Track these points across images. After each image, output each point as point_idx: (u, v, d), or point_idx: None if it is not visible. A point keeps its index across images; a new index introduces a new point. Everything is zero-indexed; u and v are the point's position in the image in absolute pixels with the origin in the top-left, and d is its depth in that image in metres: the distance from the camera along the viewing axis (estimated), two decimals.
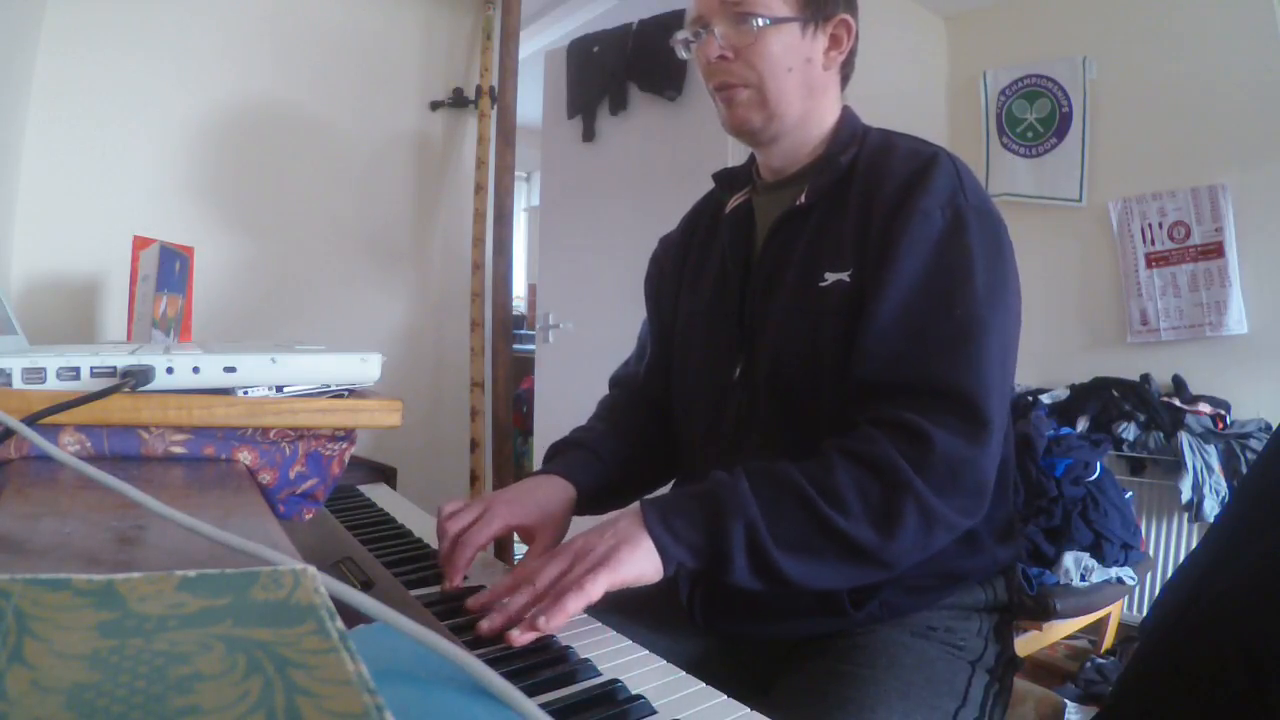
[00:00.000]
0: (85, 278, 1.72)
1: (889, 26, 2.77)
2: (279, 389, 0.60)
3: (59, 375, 0.53)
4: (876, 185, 0.78)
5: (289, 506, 0.61)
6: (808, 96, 0.84)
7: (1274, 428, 1.30)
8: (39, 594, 0.28)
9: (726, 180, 0.97)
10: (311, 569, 0.33)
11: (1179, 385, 2.46)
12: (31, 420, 0.47)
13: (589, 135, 2.71)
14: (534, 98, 2.85)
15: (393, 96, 2.23)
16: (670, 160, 2.49)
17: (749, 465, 0.71)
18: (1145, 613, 2.34)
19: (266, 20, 1.97)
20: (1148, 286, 2.56)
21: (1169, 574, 2.19)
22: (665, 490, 0.94)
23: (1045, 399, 2.56)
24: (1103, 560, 1.94)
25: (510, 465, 2.29)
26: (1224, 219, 2.41)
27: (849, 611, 0.77)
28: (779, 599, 0.79)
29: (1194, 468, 2.21)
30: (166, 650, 0.25)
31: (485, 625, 0.62)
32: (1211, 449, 2.23)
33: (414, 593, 0.72)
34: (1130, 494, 2.24)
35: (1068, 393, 2.57)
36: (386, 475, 1.27)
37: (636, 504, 0.70)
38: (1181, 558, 2.35)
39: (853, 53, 0.88)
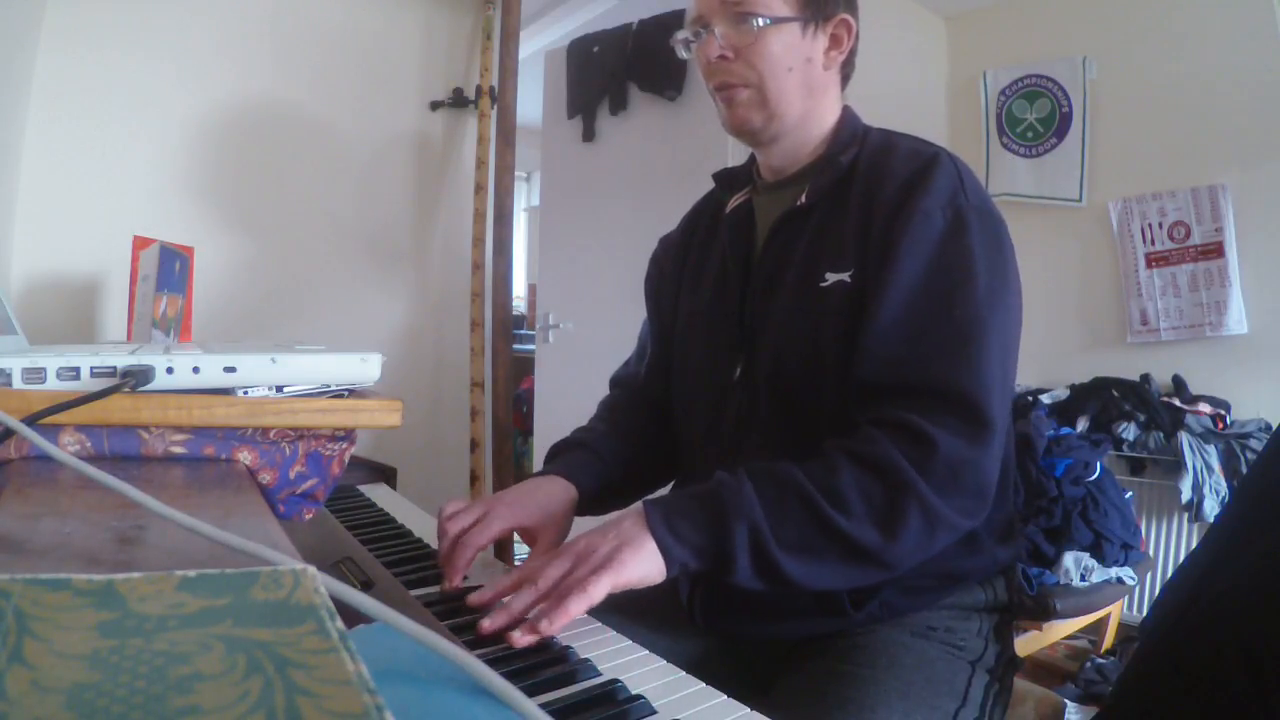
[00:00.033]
0: (85, 278, 1.72)
1: (889, 26, 2.78)
2: (279, 389, 0.60)
3: (59, 375, 0.53)
4: (877, 185, 0.78)
5: (289, 506, 0.61)
6: (808, 96, 0.84)
7: (1274, 428, 1.30)
8: (39, 594, 0.28)
9: (727, 180, 0.97)
10: (311, 569, 0.33)
11: (1179, 385, 2.46)
12: (31, 420, 0.47)
13: (589, 135, 2.71)
14: (534, 98, 2.85)
15: (393, 96, 2.23)
16: (670, 160, 2.49)
17: (752, 466, 0.71)
18: (1145, 613, 2.34)
19: (266, 20, 1.97)
20: (1148, 286, 2.56)
21: (1169, 574, 2.19)
22: (667, 490, 0.94)
23: (1045, 399, 2.56)
24: (1103, 560, 1.94)
25: (510, 465, 2.29)
26: (1224, 219, 2.41)
27: (849, 612, 0.77)
28: (779, 599, 0.79)
29: (1194, 468, 2.21)
30: (166, 650, 0.25)
31: (487, 624, 0.62)
32: (1211, 449, 2.23)
33: (414, 593, 0.72)
34: (1130, 494, 2.24)
35: (1068, 393, 2.57)
36: (386, 475, 1.27)
37: (639, 504, 0.70)
38: (1181, 558, 2.35)
39: (853, 52, 0.88)
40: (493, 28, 2.34)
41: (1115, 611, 2.14)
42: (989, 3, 2.93)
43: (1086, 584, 1.91)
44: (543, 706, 0.33)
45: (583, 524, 0.80)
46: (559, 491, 0.85)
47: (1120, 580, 1.97)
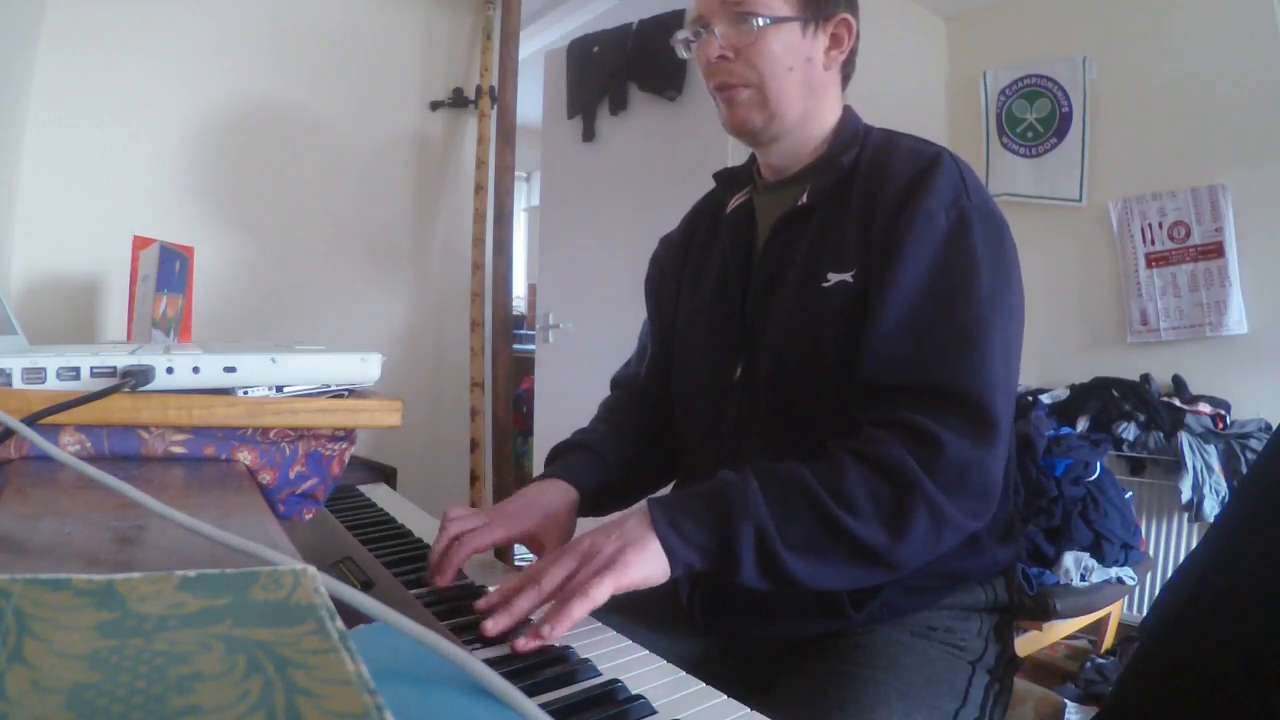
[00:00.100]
0: (85, 278, 1.73)
1: (889, 26, 2.77)
2: (279, 389, 0.60)
3: (59, 375, 0.53)
4: (879, 186, 0.78)
5: (289, 506, 0.61)
6: (808, 96, 0.84)
7: (1274, 428, 1.30)
8: (39, 594, 0.28)
9: (727, 180, 0.97)
10: (311, 569, 0.33)
11: (1179, 385, 2.46)
12: (31, 420, 0.47)
13: (589, 135, 2.71)
14: (534, 98, 2.85)
15: (393, 96, 2.23)
16: (670, 160, 2.49)
17: (757, 465, 0.71)
18: (1145, 613, 2.34)
19: (266, 20, 1.98)
20: (1148, 286, 2.56)
21: (1169, 574, 2.19)
22: (669, 490, 0.94)
23: (1045, 399, 2.56)
24: (1103, 560, 1.94)
25: (510, 465, 2.29)
26: (1224, 219, 2.41)
27: (849, 612, 0.77)
28: (779, 599, 0.79)
29: (1194, 468, 2.21)
30: (166, 650, 0.25)
31: (490, 626, 0.62)
32: (1211, 449, 2.23)
33: (414, 593, 0.72)
34: (1130, 494, 2.24)
35: (1068, 393, 2.57)
36: (386, 475, 1.27)
37: (643, 504, 0.70)
38: (1181, 558, 2.35)
39: (853, 52, 0.87)
40: (493, 28, 2.34)
41: (1115, 611, 2.14)
42: (989, 3, 2.93)
43: (1086, 584, 1.91)
44: (543, 706, 0.33)
45: (585, 523, 0.80)
46: (560, 495, 0.85)
47: (1120, 580, 1.97)
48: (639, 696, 0.54)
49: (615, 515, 0.71)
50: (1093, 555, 1.94)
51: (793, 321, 0.80)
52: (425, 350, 2.33)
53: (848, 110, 0.89)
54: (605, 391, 1.07)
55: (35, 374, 0.52)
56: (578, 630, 0.66)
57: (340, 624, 0.28)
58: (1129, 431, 2.36)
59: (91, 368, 0.54)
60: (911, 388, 0.71)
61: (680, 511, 0.68)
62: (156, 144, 1.82)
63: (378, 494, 1.16)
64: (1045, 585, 1.88)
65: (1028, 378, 2.72)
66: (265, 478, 0.58)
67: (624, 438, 0.95)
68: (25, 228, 1.64)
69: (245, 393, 0.58)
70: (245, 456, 0.58)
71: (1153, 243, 2.55)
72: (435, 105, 2.30)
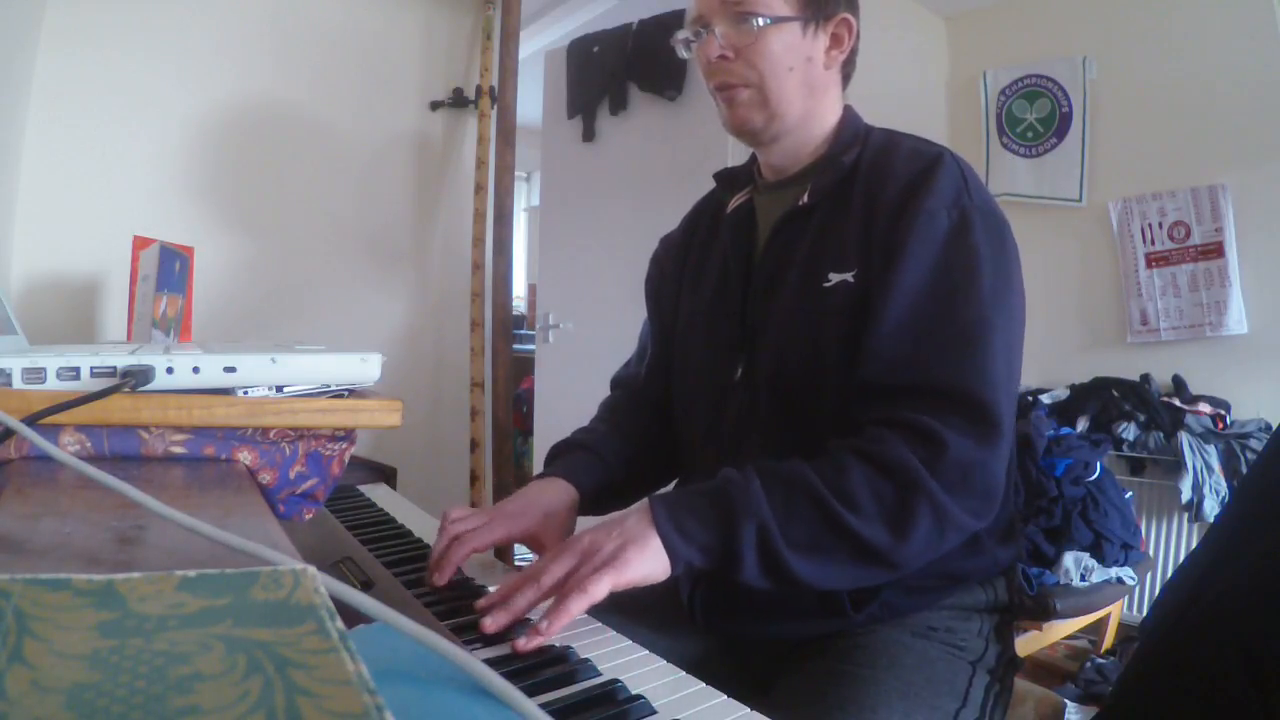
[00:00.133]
0: (85, 278, 1.73)
1: (889, 26, 2.77)
2: (279, 389, 0.60)
3: (59, 375, 0.53)
4: (880, 186, 0.78)
5: (289, 506, 0.61)
6: (809, 96, 0.84)
7: (1274, 428, 1.30)
8: (39, 594, 0.28)
9: (728, 180, 0.97)
10: (311, 569, 0.33)
11: (1179, 385, 2.46)
12: (31, 420, 0.47)
13: (589, 135, 2.71)
14: (534, 98, 2.85)
15: (393, 96, 2.23)
16: (670, 160, 2.49)
17: (759, 464, 0.71)
18: (1145, 613, 2.34)
19: (266, 20, 1.98)
20: (1148, 286, 2.56)
21: (1169, 574, 2.19)
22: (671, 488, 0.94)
23: (1045, 399, 2.56)
24: (1103, 560, 1.94)
25: (510, 465, 2.29)
26: (1224, 219, 2.41)
27: (849, 612, 0.77)
28: (780, 599, 0.78)
29: (1194, 468, 2.21)
30: (166, 650, 0.25)
31: (489, 623, 0.62)
32: (1211, 449, 2.23)
33: (414, 593, 0.72)
34: (1130, 494, 2.24)
35: (1068, 393, 2.57)
36: (386, 475, 1.27)
37: (645, 501, 0.70)
38: (1181, 558, 2.35)
39: (854, 52, 0.87)
40: (493, 28, 2.34)
41: (1115, 611, 2.14)
42: (989, 3, 2.93)
43: (1086, 584, 1.90)
44: (543, 706, 0.33)
45: (586, 521, 0.80)
46: (560, 494, 0.85)
47: (1120, 580, 1.97)
48: (639, 696, 0.54)
49: (616, 513, 0.71)
50: (1093, 555, 1.94)
51: (793, 321, 0.80)
52: (425, 350, 2.33)
53: (848, 110, 0.89)
54: (605, 391, 1.07)
55: (35, 374, 0.52)
56: (578, 630, 0.66)
57: (340, 624, 0.28)
58: (1129, 431, 2.37)
59: (91, 368, 0.54)
60: (914, 388, 0.71)
61: (682, 509, 0.68)
62: (156, 144, 1.82)
63: (378, 494, 1.16)
64: (1045, 585, 1.88)
65: (1028, 378, 2.72)
66: (265, 478, 0.58)
67: (624, 438, 0.95)
68: (25, 228, 1.64)
69: (245, 393, 0.58)
70: (245, 456, 0.58)
71: (1153, 243, 2.55)
72: (435, 105, 2.30)
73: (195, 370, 0.56)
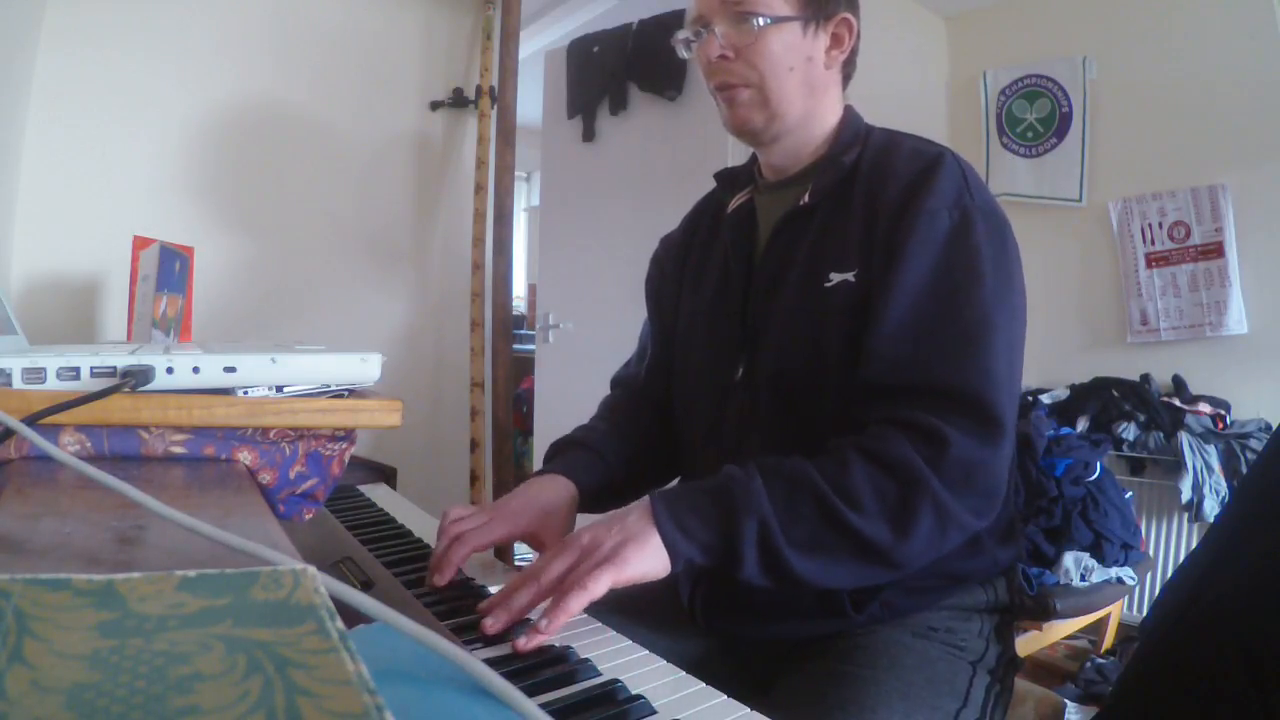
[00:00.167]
0: (85, 278, 1.73)
1: (889, 26, 2.78)
2: (279, 389, 0.60)
3: (59, 375, 0.53)
4: (881, 185, 0.78)
5: (289, 506, 0.61)
6: (809, 96, 0.84)
7: (1274, 428, 1.30)
8: (39, 594, 0.28)
9: (728, 180, 0.97)
10: (311, 569, 0.33)
11: (1179, 385, 2.46)
12: (31, 420, 0.47)
13: (589, 135, 2.71)
14: (534, 98, 2.85)
15: (393, 96, 2.23)
16: (670, 160, 2.49)
17: (761, 460, 0.70)
18: (1145, 613, 2.34)
19: (266, 20, 1.98)
20: (1148, 286, 2.56)
21: (1169, 574, 2.18)
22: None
23: (1045, 399, 2.56)
24: (1103, 560, 1.94)
25: (510, 465, 2.29)
26: (1224, 219, 2.41)
27: (850, 612, 0.77)
28: (780, 599, 0.78)
29: (1194, 468, 2.21)
30: (166, 650, 0.25)
31: (489, 624, 0.62)
32: (1211, 449, 2.23)
33: (414, 593, 0.72)
34: (1130, 494, 2.24)
35: (1068, 393, 2.57)
36: (386, 475, 1.27)
37: (646, 498, 0.69)
38: (1181, 558, 2.35)
39: (854, 52, 0.87)
40: (493, 28, 2.34)
41: (1115, 611, 2.14)
42: (989, 3, 2.93)
43: (1086, 584, 1.90)
44: (543, 706, 0.33)
45: (586, 519, 0.80)
46: (560, 491, 0.85)
47: (1120, 580, 1.97)
48: (639, 696, 0.54)
49: (617, 509, 0.71)
50: (1093, 555, 1.94)
51: (794, 322, 0.80)
52: (425, 350, 2.33)
53: (849, 110, 0.89)
54: (605, 391, 1.07)
55: (35, 374, 0.52)
56: (578, 630, 0.66)
57: (340, 624, 0.28)
58: (1129, 431, 2.37)
59: (91, 368, 0.54)
60: (916, 387, 0.71)
61: (683, 506, 0.68)
62: (156, 144, 1.82)
63: (378, 494, 1.16)
64: (1045, 585, 1.88)
65: (1028, 378, 2.71)
66: (265, 478, 0.58)
67: (624, 437, 0.95)
68: (25, 228, 1.64)
69: (245, 393, 0.58)
70: (245, 456, 0.58)
71: (1153, 243, 2.55)
72: (435, 105, 2.30)
73: (195, 370, 0.56)
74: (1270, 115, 2.32)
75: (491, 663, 0.54)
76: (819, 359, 0.78)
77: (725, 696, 0.56)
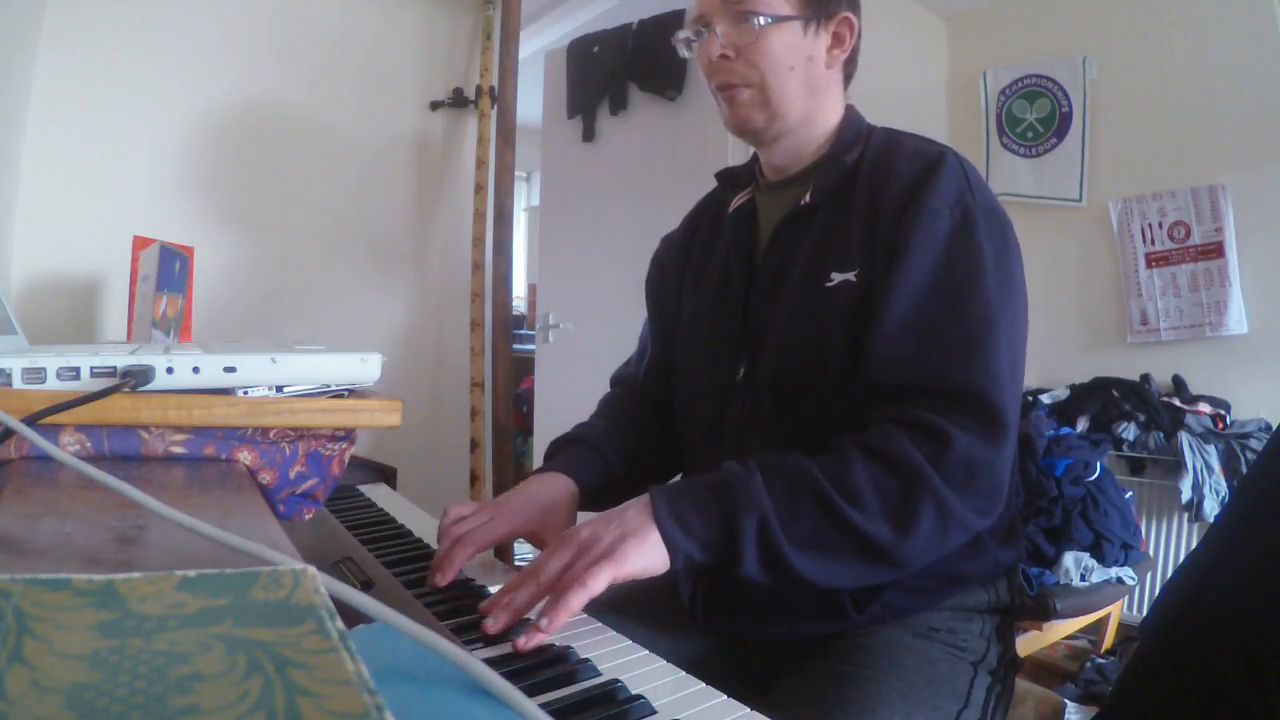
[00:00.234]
0: (85, 278, 1.73)
1: (889, 26, 2.78)
2: (279, 389, 0.60)
3: (59, 375, 0.53)
4: (882, 185, 0.78)
5: (289, 506, 0.61)
6: (810, 95, 0.84)
7: (1274, 428, 1.30)
8: (39, 594, 0.28)
9: (729, 179, 0.97)
10: (311, 569, 0.33)
11: (1179, 385, 2.46)
12: (31, 420, 0.47)
13: (589, 135, 2.71)
14: (534, 98, 2.85)
15: (393, 96, 2.23)
16: (670, 160, 2.49)
17: (762, 457, 0.70)
18: (1145, 613, 2.34)
19: (266, 20, 1.98)
20: (1148, 286, 2.56)
21: (1169, 574, 2.18)
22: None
23: (1045, 399, 2.56)
24: (1103, 560, 1.94)
25: (510, 465, 2.29)
26: (1224, 219, 2.41)
27: (850, 613, 0.77)
28: (781, 600, 0.78)
29: (1194, 468, 2.21)
30: (166, 650, 0.25)
31: (490, 624, 0.62)
32: (1211, 449, 2.23)
33: (414, 593, 0.72)
34: (1130, 494, 2.24)
35: (1068, 393, 2.57)
36: (386, 475, 1.27)
37: (645, 494, 0.69)
38: (1181, 558, 2.35)
39: (855, 51, 0.87)
40: (493, 28, 2.34)
41: (1115, 611, 2.13)
42: (989, 3, 2.93)
43: (1086, 584, 1.90)
44: (543, 706, 0.33)
45: (586, 518, 0.79)
46: (560, 488, 0.85)
47: (1120, 580, 1.97)
48: (639, 696, 0.54)
49: (617, 505, 0.71)
50: (1093, 555, 1.94)
51: (796, 321, 0.80)
52: (425, 350, 2.33)
53: (850, 109, 0.89)
54: (605, 391, 1.07)
55: (35, 374, 0.52)
56: (578, 630, 0.66)
57: (340, 624, 0.28)
58: (1129, 431, 2.36)
59: (91, 368, 0.54)
60: (918, 387, 0.71)
61: (683, 502, 0.68)
62: (156, 144, 1.82)
63: (378, 494, 1.16)
64: (1045, 585, 1.88)
65: (1028, 378, 2.71)
66: (265, 478, 0.58)
67: (624, 436, 0.95)
68: (25, 228, 1.64)
69: (245, 393, 0.58)
70: (245, 456, 0.58)
71: (1153, 243, 2.55)
72: (435, 105, 2.30)
73: (195, 370, 0.56)
74: (1270, 115, 2.32)
75: (491, 663, 0.54)
76: (820, 359, 0.78)
77: (725, 696, 0.55)
